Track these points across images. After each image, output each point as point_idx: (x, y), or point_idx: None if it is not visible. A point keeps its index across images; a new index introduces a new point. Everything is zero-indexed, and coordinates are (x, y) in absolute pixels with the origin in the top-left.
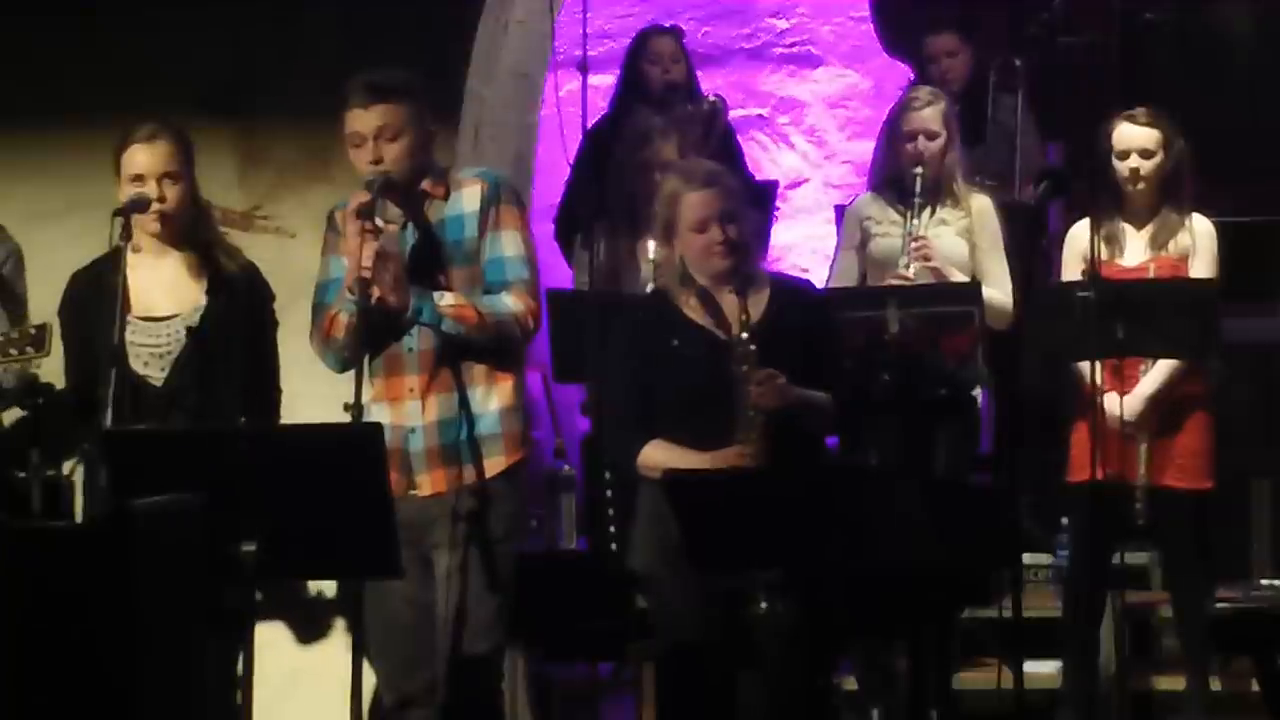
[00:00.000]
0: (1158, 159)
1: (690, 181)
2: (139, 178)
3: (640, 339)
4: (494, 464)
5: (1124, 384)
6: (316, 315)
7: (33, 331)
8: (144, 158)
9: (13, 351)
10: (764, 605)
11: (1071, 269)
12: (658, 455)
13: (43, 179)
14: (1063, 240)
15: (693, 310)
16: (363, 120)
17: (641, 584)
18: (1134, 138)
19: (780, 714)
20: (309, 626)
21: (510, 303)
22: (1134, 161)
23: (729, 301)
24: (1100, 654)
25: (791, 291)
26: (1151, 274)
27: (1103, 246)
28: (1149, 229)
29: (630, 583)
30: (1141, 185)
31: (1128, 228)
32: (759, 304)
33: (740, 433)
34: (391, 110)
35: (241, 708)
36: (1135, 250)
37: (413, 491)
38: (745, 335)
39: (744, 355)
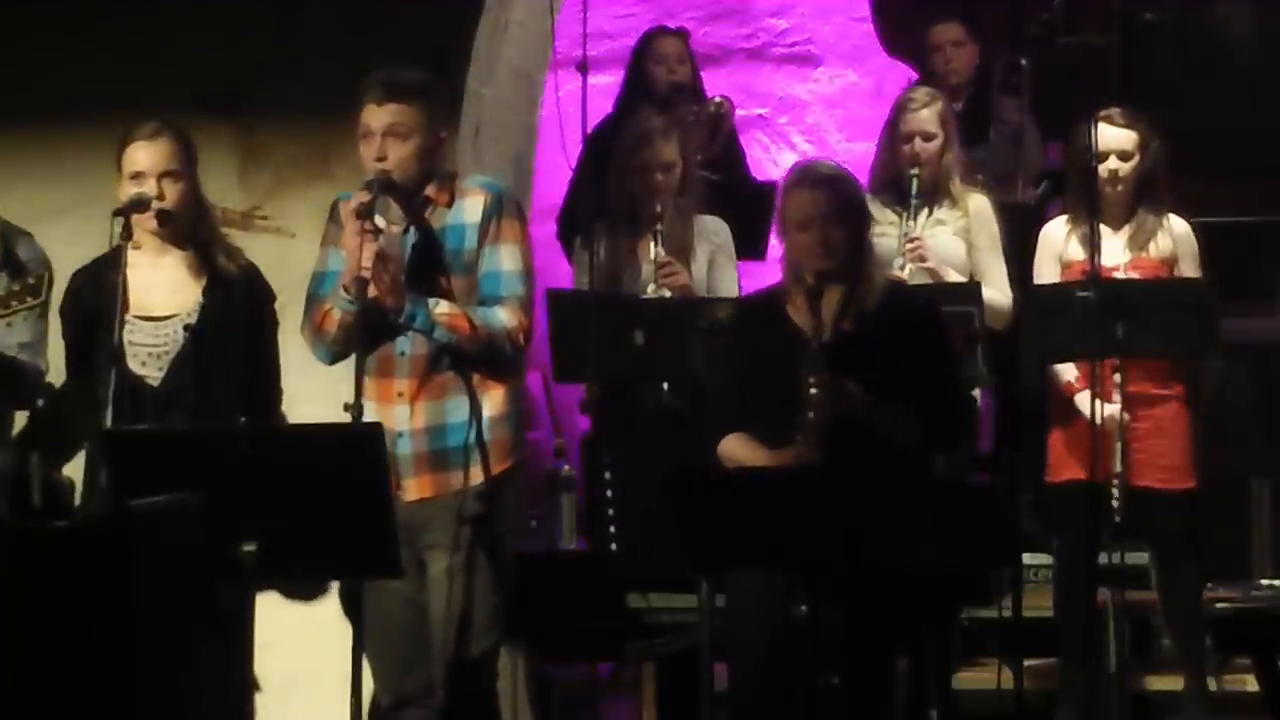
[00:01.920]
0: (1135, 160)
1: (802, 180)
2: (139, 175)
3: (745, 332)
4: (481, 471)
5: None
6: (310, 306)
7: (31, 282)
8: (145, 155)
9: (14, 303)
10: (803, 608)
11: (1045, 269)
12: (732, 448)
13: (43, 177)
14: None
15: (795, 309)
16: (375, 116)
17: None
18: (1111, 139)
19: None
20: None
21: (503, 318)
22: (1112, 163)
23: (830, 302)
24: (1099, 653)
25: (903, 299)
26: (1133, 274)
27: (1080, 246)
28: (1126, 230)
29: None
30: (1120, 187)
31: (1104, 228)
32: (862, 308)
33: (798, 434)
34: (404, 110)
35: (241, 708)
36: (1113, 251)
37: (398, 494)
38: (818, 340)
39: (811, 359)
